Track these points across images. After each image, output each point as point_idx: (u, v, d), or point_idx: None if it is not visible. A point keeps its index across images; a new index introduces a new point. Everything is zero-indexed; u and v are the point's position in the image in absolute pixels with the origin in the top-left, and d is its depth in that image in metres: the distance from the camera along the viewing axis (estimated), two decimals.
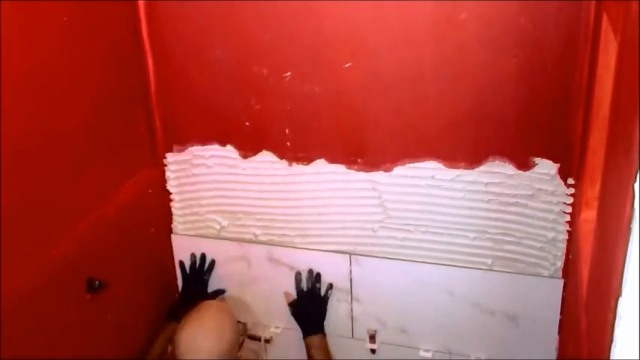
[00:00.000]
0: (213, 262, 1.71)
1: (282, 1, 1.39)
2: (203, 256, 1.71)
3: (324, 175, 1.53)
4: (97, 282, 1.40)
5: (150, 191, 1.62)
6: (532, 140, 1.36)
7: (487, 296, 1.52)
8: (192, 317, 1.43)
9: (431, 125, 1.41)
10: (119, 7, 1.45)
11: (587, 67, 1.25)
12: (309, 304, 1.64)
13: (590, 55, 1.23)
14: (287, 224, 1.61)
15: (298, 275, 1.64)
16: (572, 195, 1.37)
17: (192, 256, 1.71)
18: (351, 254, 1.59)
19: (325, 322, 1.66)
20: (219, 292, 1.72)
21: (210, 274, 1.71)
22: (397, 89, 1.39)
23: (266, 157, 1.55)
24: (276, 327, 1.73)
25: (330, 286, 1.63)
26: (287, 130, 1.51)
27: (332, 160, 1.51)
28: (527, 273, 1.47)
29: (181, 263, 1.73)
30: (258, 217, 1.63)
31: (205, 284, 1.71)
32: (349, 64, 1.40)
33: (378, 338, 1.66)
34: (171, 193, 1.68)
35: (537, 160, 1.37)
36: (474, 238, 1.47)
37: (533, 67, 1.30)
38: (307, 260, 1.63)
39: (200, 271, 1.71)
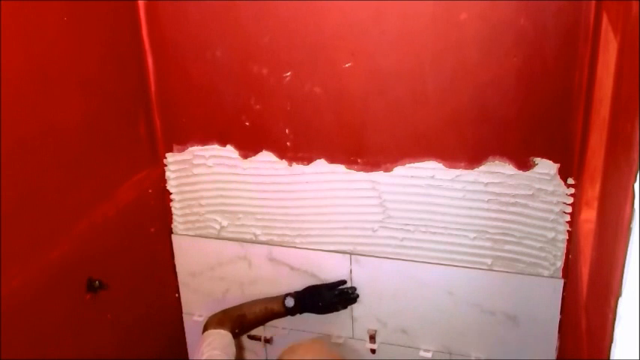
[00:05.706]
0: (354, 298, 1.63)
1: (282, 1, 1.39)
2: (353, 289, 1.62)
3: (324, 175, 1.53)
4: (97, 282, 1.40)
5: (150, 191, 1.62)
6: (532, 140, 1.36)
7: (487, 296, 1.52)
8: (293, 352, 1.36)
9: (431, 125, 1.41)
10: (119, 7, 1.44)
11: (587, 67, 1.25)
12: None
13: (590, 55, 1.23)
14: (287, 224, 1.61)
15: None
16: (572, 195, 1.37)
17: (343, 281, 1.62)
18: (351, 254, 1.59)
19: (325, 322, 1.66)
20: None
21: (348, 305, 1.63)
22: (397, 89, 1.40)
23: (266, 157, 1.55)
24: (276, 327, 1.72)
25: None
26: (287, 130, 1.51)
27: (332, 160, 1.51)
28: (527, 273, 1.47)
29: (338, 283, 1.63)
30: (259, 217, 1.63)
31: (328, 305, 1.61)
32: (349, 63, 1.40)
33: (378, 338, 1.66)
34: (171, 193, 1.68)
35: (537, 160, 1.37)
36: (474, 238, 1.47)
37: (533, 67, 1.30)
38: (307, 260, 1.63)
39: (336, 291, 1.62)
